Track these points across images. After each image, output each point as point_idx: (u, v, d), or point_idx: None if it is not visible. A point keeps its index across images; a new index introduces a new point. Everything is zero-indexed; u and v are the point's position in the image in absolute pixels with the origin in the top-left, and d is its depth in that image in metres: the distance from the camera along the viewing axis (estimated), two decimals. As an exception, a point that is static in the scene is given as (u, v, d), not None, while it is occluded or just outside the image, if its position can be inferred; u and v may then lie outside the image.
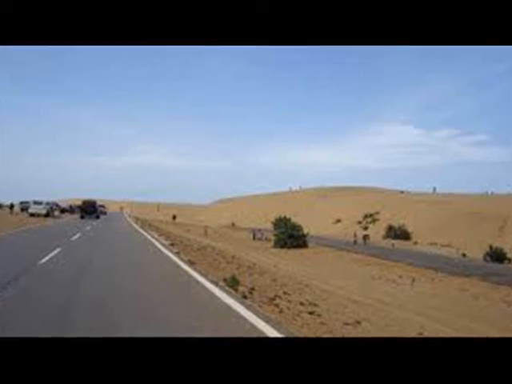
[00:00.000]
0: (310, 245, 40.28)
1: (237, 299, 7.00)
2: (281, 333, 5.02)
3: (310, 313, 7.33)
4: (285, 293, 9.40)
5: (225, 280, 8.82)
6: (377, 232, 59.51)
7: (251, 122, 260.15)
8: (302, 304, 8.23)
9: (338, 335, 5.97)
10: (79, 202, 51.80)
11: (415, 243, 51.29)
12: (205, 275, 9.62)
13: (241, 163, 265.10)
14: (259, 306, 6.81)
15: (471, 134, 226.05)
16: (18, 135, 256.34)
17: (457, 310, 14.71)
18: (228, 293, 7.55)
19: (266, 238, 45.10)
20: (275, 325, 5.44)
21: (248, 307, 6.42)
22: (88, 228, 27.00)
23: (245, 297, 7.33)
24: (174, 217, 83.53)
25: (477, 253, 39.17)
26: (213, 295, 7.38)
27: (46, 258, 11.44)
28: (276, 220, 45.21)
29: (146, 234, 25.72)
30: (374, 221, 69.22)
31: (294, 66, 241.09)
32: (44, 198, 44.63)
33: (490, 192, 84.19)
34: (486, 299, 17.60)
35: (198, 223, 76.39)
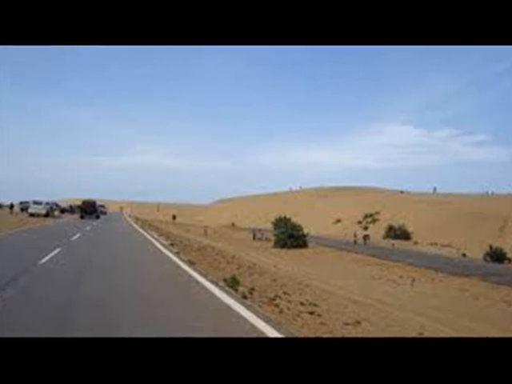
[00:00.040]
0: (310, 245, 40.27)
1: (237, 299, 7.00)
2: (281, 333, 5.02)
3: (310, 313, 7.33)
4: (285, 293, 9.40)
5: (225, 280, 8.82)
6: (377, 232, 59.51)
7: (251, 122, 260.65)
8: (302, 304, 8.23)
9: (338, 335, 5.97)
10: (79, 202, 51.77)
11: (415, 243, 51.27)
12: (205, 275, 9.62)
13: (241, 163, 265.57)
14: (259, 306, 6.81)
15: (471, 133, 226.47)
16: (18, 135, 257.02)
17: (457, 310, 14.70)
18: (228, 293, 7.55)
19: (266, 238, 45.09)
20: (275, 325, 5.44)
21: (248, 307, 6.42)
22: (88, 228, 27.00)
23: (245, 297, 7.32)
24: (174, 217, 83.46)
25: (477, 253, 39.17)
26: (213, 295, 7.37)
27: (46, 258, 11.45)
28: (276, 220, 45.22)
29: (145, 233, 25.72)
30: (374, 221, 69.23)
31: (294, 66, 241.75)
32: (44, 198, 44.74)
33: (490, 192, 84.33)
34: (486, 299, 17.59)
35: (197, 223, 76.37)
